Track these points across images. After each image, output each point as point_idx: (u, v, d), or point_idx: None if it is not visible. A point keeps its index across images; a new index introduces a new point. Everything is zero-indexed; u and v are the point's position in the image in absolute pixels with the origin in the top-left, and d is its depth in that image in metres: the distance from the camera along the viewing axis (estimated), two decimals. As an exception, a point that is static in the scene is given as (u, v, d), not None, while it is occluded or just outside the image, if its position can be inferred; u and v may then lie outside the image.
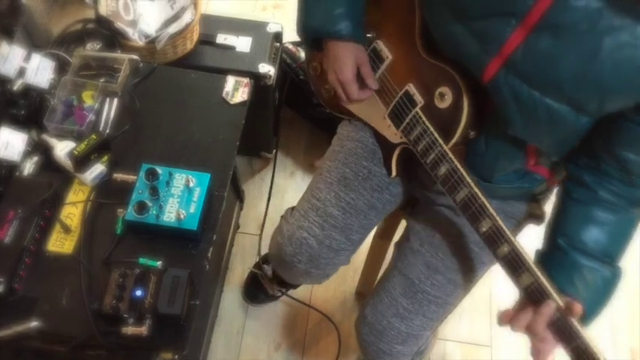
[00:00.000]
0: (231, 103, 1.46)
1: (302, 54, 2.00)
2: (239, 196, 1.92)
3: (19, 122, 1.41)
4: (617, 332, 1.97)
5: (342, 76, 1.18)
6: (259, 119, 1.90)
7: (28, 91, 1.47)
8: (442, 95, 1.07)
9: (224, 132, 1.41)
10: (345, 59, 1.17)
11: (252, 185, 2.13)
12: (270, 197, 1.89)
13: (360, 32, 1.17)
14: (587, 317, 0.97)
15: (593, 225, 1.02)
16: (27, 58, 1.48)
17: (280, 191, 2.09)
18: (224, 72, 1.52)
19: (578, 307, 0.91)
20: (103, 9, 1.56)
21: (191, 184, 1.27)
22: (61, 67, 1.53)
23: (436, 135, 1.07)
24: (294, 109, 2.16)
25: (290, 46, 2.01)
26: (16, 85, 1.45)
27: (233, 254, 1.98)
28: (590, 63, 0.85)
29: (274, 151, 2.11)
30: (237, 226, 1.99)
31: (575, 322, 0.91)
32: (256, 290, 1.88)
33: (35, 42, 1.77)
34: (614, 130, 0.96)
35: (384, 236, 1.60)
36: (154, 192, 1.26)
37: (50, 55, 1.52)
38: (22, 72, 1.46)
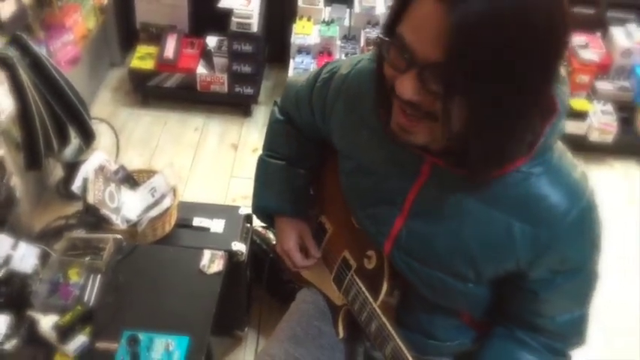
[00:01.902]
0: (208, 273, 1.59)
1: (271, 235, 2.18)
2: (213, 374, 1.94)
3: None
4: None
5: (285, 246, 1.35)
6: (233, 297, 1.99)
7: (12, 277, 1.57)
8: (369, 257, 1.20)
9: (202, 299, 1.52)
10: (288, 232, 1.35)
11: (225, 365, 2.15)
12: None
13: (301, 209, 1.36)
14: None
15: None
16: (14, 247, 1.60)
17: (253, 369, 2.12)
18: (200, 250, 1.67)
19: None
20: (92, 198, 1.74)
21: (171, 348, 1.34)
22: (44, 257, 1.65)
23: (367, 294, 1.18)
24: (266, 288, 2.27)
25: (260, 229, 2.19)
26: (1, 273, 1.55)
27: None
28: (458, 240, 0.99)
29: (246, 329, 2.18)
30: (211, 407, 1.97)
31: None
32: None
33: (18, 235, 1.91)
34: (513, 294, 1.06)
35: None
36: (135, 357, 1.32)
37: (35, 244, 1.65)
38: (7, 259, 1.57)
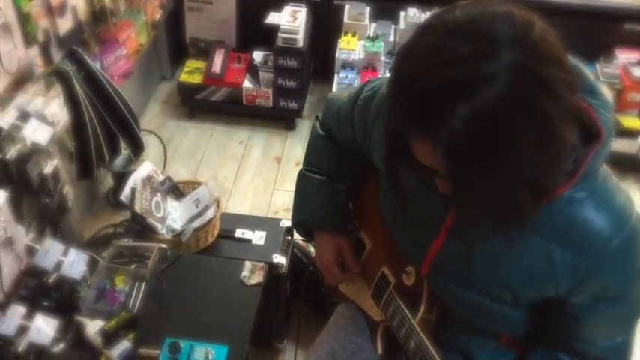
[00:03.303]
0: (248, 284, 1.62)
1: (311, 248, 2.20)
2: (251, 384, 1.96)
3: (49, 311, 1.55)
4: None
5: (324, 260, 1.37)
6: (272, 308, 2.02)
7: (62, 282, 1.63)
8: (408, 273, 1.20)
9: (242, 309, 1.55)
10: (327, 247, 1.37)
11: (263, 376, 2.17)
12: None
13: (340, 224, 1.38)
14: None
15: None
16: (65, 253, 1.67)
17: (291, 381, 2.13)
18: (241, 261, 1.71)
19: None
20: (139, 207, 1.80)
21: (210, 356, 1.38)
22: (92, 264, 1.71)
23: (406, 311, 1.18)
24: (305, 301, 2.29)
25: (300, 242, 2.21)
26: (52, 278, 1.62)
27: None
28: (496, 264, 0.99)
29: (285, 341, 2.20)
30: (249, 417, 2.00)
31: None
32: None
33: (69, 242, 1.99)
34: (554, 318, 1.05)
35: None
36: (176, 364, 1.36)
37: (84, 251, 1.71)
38: (59, 265, 1.64)
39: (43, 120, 1.59)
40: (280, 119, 3.16)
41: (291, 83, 2.98)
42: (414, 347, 1.15)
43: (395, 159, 0.93)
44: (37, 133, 1.54)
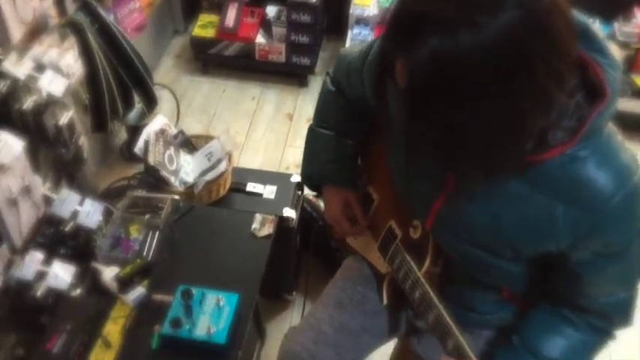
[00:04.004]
0: (259, 236, 1.66)
1: (321, 203, 2.23)
2: (260, 332, 2.03)
3: (66, 258, 1.60)
4: None
5: (332, 214, 1.40)
6: (282, 261, 2.07)
7: (78, 232, 1.68)
8: (415, 227, 1.23)
9: (252, 260, 1.60)
10: (335, 200, 1.40)
11: (273, 325, 2.23)
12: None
13: (348, 179, 1.40)
14: None
15: (556, 335, 1.10)
16: (81, 203, 1.71)
17: (300, 331, 2.19)
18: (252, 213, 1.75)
19: None
20: (152, 159, 1.83)
21: (221, 303, 1.42)
22: (107, 214, 1.76)
23: (411, 263, 1.21)
24: (315, 255, 2.33)
25: (311, 197, 2.24)
26: (68, 227, 1.66)
27: (253, 392, 2.03)
28: (498, 220, 1.00)
29: (294, 293, 2.26)
30: (258, 363, 2.07)
31: None
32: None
33: (84, 192, 2.03)
34: (557, 275, 1.07)
35: (397, 364, 1.68)
36: (188, 310, 1.41)
37: (100, 201, 1.75)
38: (75, 214, 1.68)
39: (58, 71, 1.61)
40: (293, 75, 3.15)
41: (304, 39, 2.96)
42: (419, 298, 1.18)
43: (381, 81, 0.95)
44: (52, 85, 1.56)
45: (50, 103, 1.60)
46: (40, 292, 1.49)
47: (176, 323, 1.38)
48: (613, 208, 0.92)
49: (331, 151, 1.39)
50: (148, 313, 1.46)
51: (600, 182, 0.91)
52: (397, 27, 0.83)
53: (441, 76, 0.77)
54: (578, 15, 0.90)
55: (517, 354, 1.12)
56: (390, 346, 1.60)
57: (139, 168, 2.26)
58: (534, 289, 1.14)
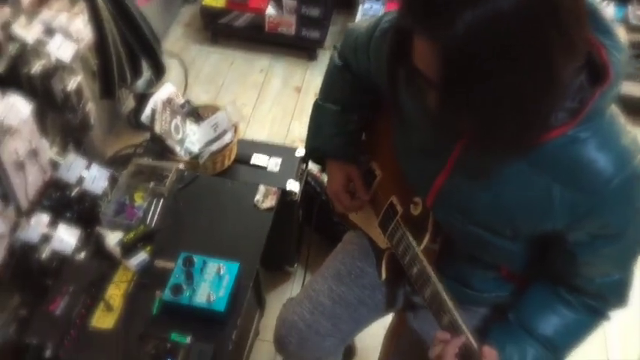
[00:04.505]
0: (261, 208, 1.68)
1: (325, 178, 2.24)
2: (260, 302, 2.06)
3: (71, 222, 1.62)
4: None
5: (334, 188, 1.41)
6: (284, 233, 2.09)
7: (83, 196, 1.70)
8: (416, 204, 1.24)
9: (254, 231, 1.62)
10: (338, 175, 1.41)
11: (273, 296, 2.26)
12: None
13: (351, 153, 1.40)
14: None
15: (551, 314, 1.11)
16: (87, 168, 1.72)
17: (299, 303, 2.23)
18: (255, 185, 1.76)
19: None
20: (158, 128, 1.84)
21: (222, 272, 1.44)
22: (113, 181, 1.77)
23: (411, 239, 1.22)
24: (317, 229, 2.35)
25: (315, 171, 2.26)
26: (74, 191, 1.68)
27: (251, 359, 2.07)
28: (498, 199, 1.01)
29: (295, 265, 2.28)
30: (257, 333, 2.11)
31: None
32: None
33: (91, 158, 2.05)
34: (553, 255, 1.08)
35: (394, 337, 1.71)
36: (189, 277, 1.43)
37: (106, 168, 1.77)
38: (81, 179, 1.69)
39: (67, 36, 1.61)
40: (302, 49, 3.14)
41: (315, 12, 2.94)
42: (417, 274, 1.20)
43: (395, 62, 0.94)
44: (61, 49, 1.57)
45: (59, 68, 1.60)
46: (44, 254, 1.51)
47: (177, 290, 1.40)
48: (612, 190, 0.92)
49: (336, 126, 1.39)
50: (149, 279, 1.48)
51: (600, 164, 0.91)
52: (419, 4, 0.81)
53: (480, 47, 0.76)
54: None
55: (512, 330, 1.14)
56: (387, 320, 1.62)
57: (146, 136, 2.27)
58: (533, 267, 1.15)
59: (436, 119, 0.93)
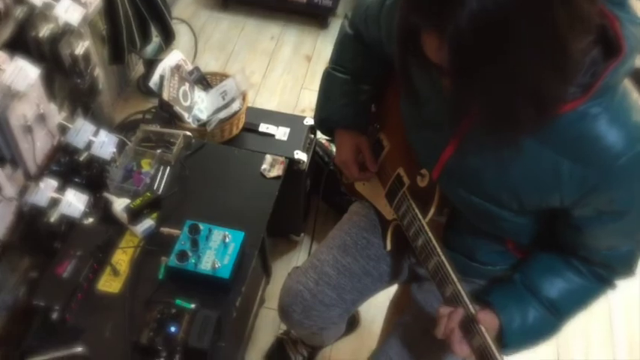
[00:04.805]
0: (268, 177, 1.68)
1: (334, 148, 2.23)
2: (266, 270, 2.07)
3: (79, 187, 1.63)
4: None
5: (343, 157, 1.40)
6: (291, 202, 2.09)
7: (92, 162, 1.70)
8: (423, 176, 1.24)
9: (260, 200, 1.62)
10: (347, 144, 1.40)
11: (279, 265, 2.28)
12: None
13: (361, 123, 1.40)
14: (507, 346, 1.10)
15: (558, 278, 1.12)
16: (95, 134, 1.73)
17: (305, 272, 2.24)
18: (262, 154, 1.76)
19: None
20: (166, 95, 1.84)
21: (227, 240, 1.45)
22: (121, 147, 1.78)
23: (417, 211, 1.23)
24: (324, 199, 2.36)
25: (323, 141, 2.25)
26: (83, 156, 1.69)
27: (256, 327, 2.10)
28: (505, 173, 1.01)
29: (302, 234, 2.30)
30: (263, 301, 2.13)
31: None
32: (280, 358, 1.98)
33: (99, 123, 2.05)
34: (559, 227, 1.09)
35: (397, 308, 1.72)
36: (195, 244, 1.44)
37: (114, 134, 1.77)
38: (89, 145, 1.69)
39: (76, 0, 1.60)
40: (313, 16, 3.10)
41: (327, -21, 2.90)
42: (421, 245, 1.20)
43: (405, 52, 0.94)
44: (69, 13, 1.55)
45: (66, 32, 1.59)
46: (53, 218, 1.53)
47: (182, 256, 1.41)
48: (620, 166, 0.91)
49: (346, 95, 1.38)
50: (155, 245, 1.50)
51: (610, 140, 0.90)
52: (422, 1, 0.81)
53: (485, 34, 0.76)
54: None
55: (515, 290, 1.14)
56: (391, 291, 1.63)
57: (155, 102, 2.27)
58: (540, 241, 1.15)
59: (450, 103, 0.93)
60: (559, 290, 1.11)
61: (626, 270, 1.11)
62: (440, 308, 1.12)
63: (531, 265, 1.16)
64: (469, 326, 1.06)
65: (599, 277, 1.12)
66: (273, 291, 2.19)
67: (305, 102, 2.79)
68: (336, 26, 3.12)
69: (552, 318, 1.12)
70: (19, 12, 1.47)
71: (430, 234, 1.18)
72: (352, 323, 2.08)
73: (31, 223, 1.54)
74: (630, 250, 1.08)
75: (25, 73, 1.40)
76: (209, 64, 2.83)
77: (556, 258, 1.13)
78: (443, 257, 1.14)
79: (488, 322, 1.07)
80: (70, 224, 1.57)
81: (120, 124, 2.36)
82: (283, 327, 2.07)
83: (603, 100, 0.90)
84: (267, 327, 2.12)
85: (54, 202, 1.53)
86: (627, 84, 0.95)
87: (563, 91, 0.86)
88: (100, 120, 2.03)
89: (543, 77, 0.81)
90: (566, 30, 0.77)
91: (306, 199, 2.20)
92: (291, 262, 2.29)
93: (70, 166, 1.68)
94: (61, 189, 1.55)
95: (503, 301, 1.12)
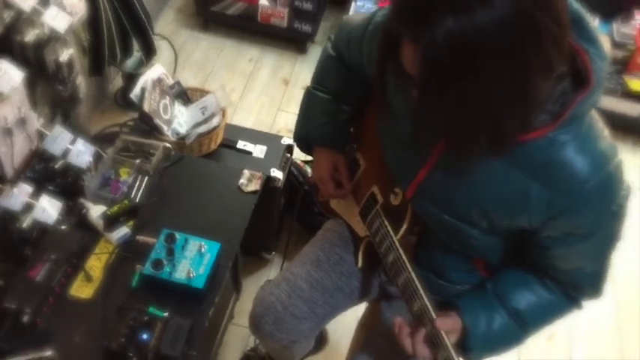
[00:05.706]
0: (245, 191, 1.70)
1: (309, 169, 2.27)
2: (237, 286, 2.08)
3: (54, 194, 1.62)
4: None
5: (319, 174, 1.44)
6: (265, 219, 2.11)
7: (67, 170, 1.70)
8: (396, 194, 1.28)
9: (236, 213, 1.64)
10: (324, 161, 1.44)
11: (249, 282, 2.28)
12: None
13: (339, 142, 1.44)
14: (471, 350, 1.14)
15: (527, 291, 1.16)
16: (73, 142, 1.73)
17: (275, 290, 2.25)
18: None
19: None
20: (147, 107, 1.85)
21: (203, 250, 1.46)
22: (97, 158, 1.77)
23: (389, 228, 1.26)
24: (298, 219, 2.38)
25: (299, 162, 2.28)
26: (58, 164, 1.69)
27: (224, 343, 2.09)
28: (476, 194, 1.05)
29: (273, 253, 2.31)
30: (232, 316, 2.13)
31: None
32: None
33: (77, 132, 2.05)
34: (527, 247, 1.13)
35: (366, 327, 1.74)
36: (170, 253, 1.45)
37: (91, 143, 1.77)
38: (66, 153, 1.70)
39: (62, 8, 1.62)
40: (293, 41, 3.16)
41: (308, 5, 2.96)
42: (392, 261, 1.23)
43: (385, 58, 0.98)
44: (56, 20, 1.57)
45: (52, 39, 1.61)
46: (25, 223, 1.52)
47: (157, 264, 1.42)
48: (587, 192, 0.96)
49: (326, 114, 1.42)
50: (130, 253, 1.50)
51: (577, 166, 0.95)
52: (405, 9, 0.84)
53: (457, 55, 0.79)
54: (574, 3, 0.94)
55: (485, 297, 1.17)
56: (359, 310, 1.66)
57: (132, 116, 2.28)
58: (509, 261, 1.20)
59: (414, 117, 0.96)
60: (527, 302, 1.15)
61: (593, 291, 1.15)
62: (396, 320, 1.14)
63: (504, 276, 1.20)
64: (434, 340, 1.09)
65: (568, 295, 1.16)
66: (243, 308, 2.19)
67: (281, 123, 2.83)
68: (314, 52, 3.19)
69: (517, 328, 1.16)
70: (7, 16, 1.48)
71: (401, 250, 1.21)
72: (320, 341, 2.09)
73: (3, 228, 1.53)
74: (597, 270, 1.12)
75: (9, 76, 1.41)
76: (188, 81, 2.86)
77: (529, 273, 1.17)
78: (412, 273, 1.17)
79: (448, 325, 1.10)
80: (42, 231, 1.56)
81: (96, 136, 2.36)
82: (251, 344, 2.07)
83: (571, 128, 0.95)
84: (234, 344, 2.11)
85: (28, 208, 1.53)
86: (593, 113, 1.01)
87: (520, 125, 0.90)
88: (76, 129, 2.03)
89: (505, 110, 0.85)
90: (536, 75, 0.82)
91: (280, 217, 2.22)
92: (262, 280, 2.29)
93: (46, 172, 1.67)
94: (35, 195, 1.54)
95: (471, 305, 1.16)
